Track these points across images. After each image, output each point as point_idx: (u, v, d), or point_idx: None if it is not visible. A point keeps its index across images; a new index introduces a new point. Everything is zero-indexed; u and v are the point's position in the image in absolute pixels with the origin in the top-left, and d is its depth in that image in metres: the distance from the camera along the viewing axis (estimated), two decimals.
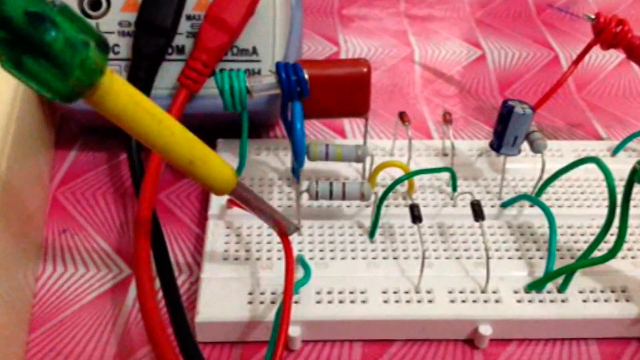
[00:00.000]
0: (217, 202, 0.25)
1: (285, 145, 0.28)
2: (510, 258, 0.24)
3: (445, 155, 0.28)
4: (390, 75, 0.36)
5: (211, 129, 0.29)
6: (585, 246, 0.24)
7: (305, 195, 0.25)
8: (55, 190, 0.27)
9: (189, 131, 0.17)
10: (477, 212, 0.22)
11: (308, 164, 0.26)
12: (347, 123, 0.32)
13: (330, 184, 0.23)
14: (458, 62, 0.37)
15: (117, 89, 0.15)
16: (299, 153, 0.22)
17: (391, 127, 0.32)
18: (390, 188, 0.23)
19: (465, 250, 0.24)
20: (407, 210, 0.25)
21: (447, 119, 0.26)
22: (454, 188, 0.26)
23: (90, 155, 0.29)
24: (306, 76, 0.23)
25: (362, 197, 0.23)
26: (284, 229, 0.21)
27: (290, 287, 0.19)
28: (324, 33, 0.39)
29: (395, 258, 0.23)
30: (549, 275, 0.22)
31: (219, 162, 0.18)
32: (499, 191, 0.26)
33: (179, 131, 0.17)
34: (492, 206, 0.26)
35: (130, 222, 0.26)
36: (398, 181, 0.23)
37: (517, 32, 0.40)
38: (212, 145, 0.28)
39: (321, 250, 0.24)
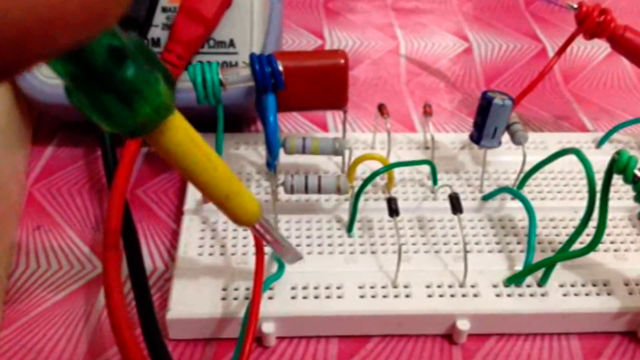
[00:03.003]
0: (192, 197, 0.25)
1: (264, 139, 0.28)
2: (490, 252, 0.23)
3: (427, 148, 0.28)
4: (375, 68, 0.35)
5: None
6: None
7: (281, 189, 0.24)
8: (31, 187, 0.27)
9: (226, 165, 0.17)
10: (455, 205, 0.22)
11: (287, 158, 0.26)
12: (329, 116, 0.32)
13: (306, 177, 0.23)
14: (444, 55, 0.37)
15: (177, 126, 0.15)
16: (273, 146, 0.21)
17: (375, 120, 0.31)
18: (367, 181, 0.23)
19: (445, 244, 0.23)
20: (383, 204, 0.25)
21: (427, 111, 0.26)
22: (435, 181, 0.25)
23: (67, 151, 0.29)
24: (280, 68, 0.22)
25: (339, 190, 0.22)
26: (290, 257, 0.21)
27: (260, 282, 0.19)
28: (309, 26, 0.39)
29: (373, 252, 0.23)
30: (528, 269, 0.22)
31: (249, 196, 0.18)
32: (480, 184, 0.26)
33: (221, 166, 0.17)
34: (473, 199, 0.25)
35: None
36: (375, 174, 0.23)
37: (505, 25, 0.40)
38: None
39: (298, 245, 0.23)
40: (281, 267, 0.21)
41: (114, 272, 0.19)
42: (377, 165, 0.26)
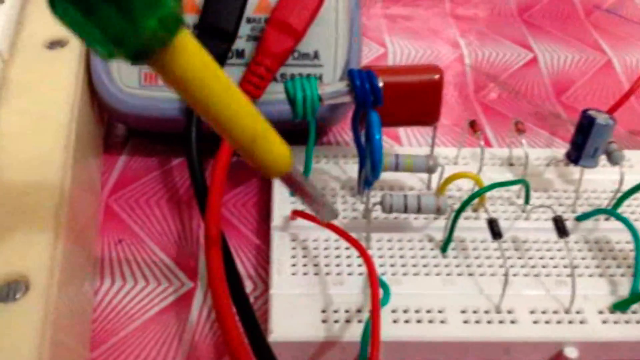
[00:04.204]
0: (279, 213, 0.24)
1: (345, 152, 0.27)
2: (590, 275, 0.23)
3: (512, 164, 0.27)
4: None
5: None
6: None
7: (373, 207, 0.23)
8: (108, 198, 0.26)
9: (253, 104, 0.15)
10: (561, 228, 0.21)
11: None
12: (401, 129, 0.31)
13: (405, 197, 0.22)
14: (510, 65, 0.36)
15: (189, 47, 0.13)
16: (377, 165, 0.21)
17: (446, 132, 0.31)
18: (467, 202, 0.22)
19: (544, 267, 0.23)
20: (477, 223, 0.24)
21: (520, 128, 0.25)
22: (527, 200, 0.24)
23: (140, 161, 0.28)
24: (381, 84, 0.22)
25: (438, 211, 0.22)
26: (326, 213, 0.19)
27: (378, 310, 0.18)
28: (370, 34, 0.38)
29: (470, 274, 0.22)
30: (638, 296, 0.21)
31: (278, 140, 0.16)
32: (572, 204, 0.25)
33: (245, 103, 0.14)
34: (566, 220, 0.24)
35: (188, 232, 0.25)
36: (476, 195, 0.22)
37: (567, 35, 0.39)
38: None
39: (392, 265, 0.23)
40: (387, 291, 0.21)
41: (223, 289, 0.19)
42: (462, 183, 0.25)
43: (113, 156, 0.28)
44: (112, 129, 0.30)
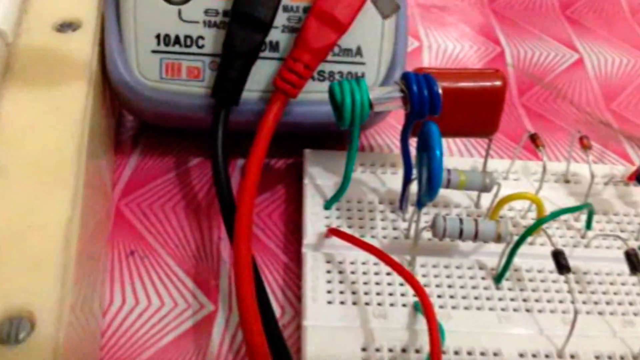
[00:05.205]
0: (312, 229, 0.22)
1: (382, 160, 0.24)
2: None
3: (567, 181, 0.24)
4: None
5: (295, 138, 0.25)
6: None
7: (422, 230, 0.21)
8: (118, 202, 0.24)
9: None
10: (635, 263, 0.19)
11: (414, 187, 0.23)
12: None
13: (460, 221, 0.19)
14: (555, 66, 0.33)
15: None
16: (435, 185, 0.18)
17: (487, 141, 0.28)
18: (528, 232, 0.20)
19: (608, 303, 0.20)
20: (534, 249, 0.22)
21: (585, 144, 0.22)
22: (589, 226, 0.22)
23: (155, 161, 0.25)
24: (440, 91, 0.19)
25: (498, 238, 0.19)
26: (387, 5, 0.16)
27: (439, 356, 0.16)
28: None
29: (527, 310, 0.20)
30: None
31: None
32: (636, 229, 0.23)
33: None
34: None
35: (208, 244, 0.22)
36: (538, 224, 0.20)
37: (613, 35, 0.36)
38: (297, 156, 0.25)
39: (440, 296, 0.20)
40: (441, 332, 0.18)
41: (258, 331, 0.16)
42: (517, 202, 0.23)
43: (124, 154, 0.25)
44: (123, 121, 0.27)
